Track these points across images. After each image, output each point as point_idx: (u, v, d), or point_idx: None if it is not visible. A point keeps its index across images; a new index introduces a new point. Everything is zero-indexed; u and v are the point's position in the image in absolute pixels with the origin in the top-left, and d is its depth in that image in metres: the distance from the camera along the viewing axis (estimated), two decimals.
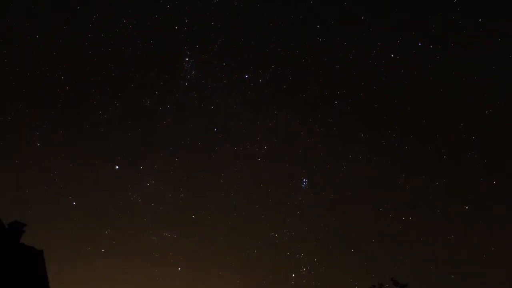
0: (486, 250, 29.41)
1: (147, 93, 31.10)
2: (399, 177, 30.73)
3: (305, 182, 31.51)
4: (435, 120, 30.62)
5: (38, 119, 30.35)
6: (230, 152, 31.80)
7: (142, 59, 31.14)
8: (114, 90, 30.72)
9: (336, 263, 31.57)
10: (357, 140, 31.11)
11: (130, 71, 31.00)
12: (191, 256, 31.64)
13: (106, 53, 30.32)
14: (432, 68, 29.80)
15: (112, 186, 31.67)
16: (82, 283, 29.66)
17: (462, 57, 29.55)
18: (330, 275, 31.28)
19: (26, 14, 29.07)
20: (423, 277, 29.44)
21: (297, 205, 31.64)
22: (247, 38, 31.22)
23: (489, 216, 29.75)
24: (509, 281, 28.13)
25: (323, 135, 31.38)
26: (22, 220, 13.53)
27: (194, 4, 30.21)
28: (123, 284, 31.10)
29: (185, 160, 32.03)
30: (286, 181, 32.10)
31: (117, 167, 30.99)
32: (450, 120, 30.29)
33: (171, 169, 31.66)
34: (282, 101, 31.85)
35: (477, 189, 29.32)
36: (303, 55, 30.97)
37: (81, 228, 30.72)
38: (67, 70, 29.88)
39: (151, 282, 30.73)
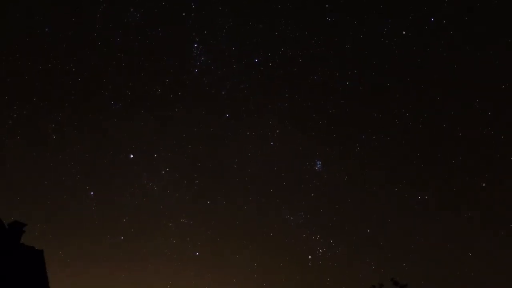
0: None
1: (158, 82, 31.13)
2: (414, 156, 30.35)
3: (319, 164, 31.36)
4: (450, 96, 29.96)
5: (52, 112, 30.74)
6: (243, 137, 31.76)
7: (151, 47, 31.13)
8: (125, 80, 30.86)
9: (352, 244, 31.53)
10: (370, 120, 30.73)
11: (140, 60, 31.06)
12: (208, 241, 31.95)
13: (115, 43, 30.43)
14: (445, 44, 29.07)
15: (128, 175, 32.03)
16: (97, 274, 30.20)
17: (476, 30, 28.70)
18: (346, 256, 31.31)
19: (33, 8, 29.34)
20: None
21: (312, 187, 31.55)
22: (255, 21, 30.83)
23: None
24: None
25: (335, 116, 31.06)
26: (22, 220, 13.84)
27: None
28: (143, 269, 31.62)
29: (199, 146, 32.14)
30: (300, 164, 31.95)
31: (131, 156, 31.32)
32: (465, 96, 29.62)
33: (185, 156, 31.85)
34: (293, 83, 31.52)
35: (493, 166, 28.75)
36: (313, 36, 30.45)
37: (100, 217, 31.28)
38: (77, 62, 30.12)
39: (170, 268, 31.20)
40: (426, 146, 30.24)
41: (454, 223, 30.16)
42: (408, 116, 29.93)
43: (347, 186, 31.38)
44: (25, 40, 29.85)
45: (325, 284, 30.26)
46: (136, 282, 30.84)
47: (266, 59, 30.81)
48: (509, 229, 28.08)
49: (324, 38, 30.39)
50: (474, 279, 28.62)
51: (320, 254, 30.56)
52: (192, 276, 31.35)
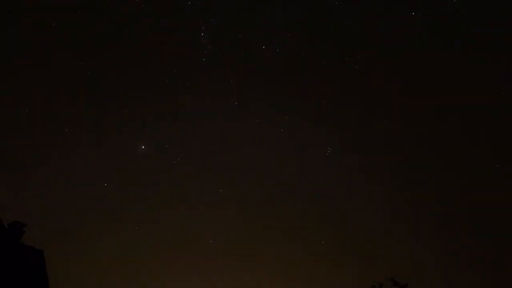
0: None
1: (166, 72, 31.12)
2: (424, 140, 30.02)
3: (329, 150, 31.06)
4: (463, 79, 29.39)
5: (63, 104, 30.86)
6: (252, 124, 31.64)
7: (158, 37, 31.07)
8: (133, 71, 30.91)
9: (366, 224, 31.44)
10: (380, 104, 30.36)
11: (147, 51, 31.05)
12: (223, 227, 32.09)
13: (122, 35, 30.39)
14: (456, 23, 28.41)
15: (140, 166, 32.16)
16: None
17: (487, 9, 27.96)
18: (361, 235, 31.28)
19: (42, 7, 29.34)
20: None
21: (323, 173, 31.38)
22: (261, 7, 30.59)
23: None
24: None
25: (344, 102, 30.75)
26: (22, 220, 13.91)
27: None
28: (158, 255, 31.76)
29: (209, 135, 32.15)
30: (310, 150, 31.79)
31: (143, 147, 31.40)
32: (478, 77, 29.00)
33: (196, 146, 31.89)
34: (301, 69, 31.25)
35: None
36: (320, 20, 30.09)
37: (113, 208, 31.51)
38: (85, 55, 30.14)
39: (183, 261, 31.38)
40: (436, 128, 29.88)
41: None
42: (417, 98, 29.58)
43: (358, 170, 31.25)
44: (37, 35, 29.96)
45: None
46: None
47: (273, 45, 30.53)
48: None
49: (332, 22, 29.97)
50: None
51: (334, 234, 30.70)
52: (206, 267, 31.52)
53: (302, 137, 31.58)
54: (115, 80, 30.60)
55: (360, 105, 30.75)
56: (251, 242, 31.75)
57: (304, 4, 29.90)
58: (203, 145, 31.82)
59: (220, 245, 31.46)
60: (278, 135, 31.13)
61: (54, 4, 29.27)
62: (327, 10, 29.40)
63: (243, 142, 31.92)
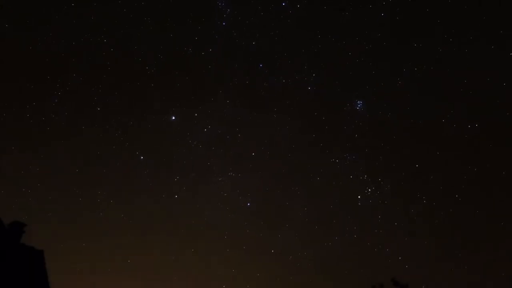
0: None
1: (187, 41, 30.74)
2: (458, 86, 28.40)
3: (359, 104, 30.07)
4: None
5: (94, 82, 31.24)
6: (279, 85, 31.03)
7: (175, 7, 30.58)
8: (154, 44, 30.72)
9: (400, 179, 30.56)
10: (410, 52, 28.77)
11: (166, 22, 30.68)
12: (258, 191, 32.18)
13: (140, 8, 30.09)
14: None
15: (173, 137, 32.41)
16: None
17: None
18: (395, 192, 30.54)
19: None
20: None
21: (355, 128, 30.47)
22: None
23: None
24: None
25: (372, 52, 29.36)
26: (22, 220, 14.23)
27: None
28: (200, 221, 32.33)
29: (236, 100, 31.78)
30: (340, 106, 30.84)
31: (173, 118, 31.56)
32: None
33: (224, 111, 31.64)
34: (324, 24, 30.00)
35: None
36: None
37: (152, 177, 32.06)
38: (107, 32, 30.10)
39: (225, 220, 31.77)
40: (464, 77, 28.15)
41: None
42: (452, 41, 27.89)
43: (391, 122, 30.14)
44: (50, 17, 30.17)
45: (377, 223, 29.96)
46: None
47: (294, 1, 29.44)
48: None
49: None
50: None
51: (369, 193, 30.10)
52: (246, 225, 31.81)
53: (331, 92, 30.63)
54: (138, 55, 30.53)
55: (389, 53, 29.31)
56: (290, 199, 31.70)
57: None
58: (230, 110, 31.50)
59: (257, 206, 31.63)
60: (306, 93, 30.40)
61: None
62: None
63: (271, 104, 31.35)
